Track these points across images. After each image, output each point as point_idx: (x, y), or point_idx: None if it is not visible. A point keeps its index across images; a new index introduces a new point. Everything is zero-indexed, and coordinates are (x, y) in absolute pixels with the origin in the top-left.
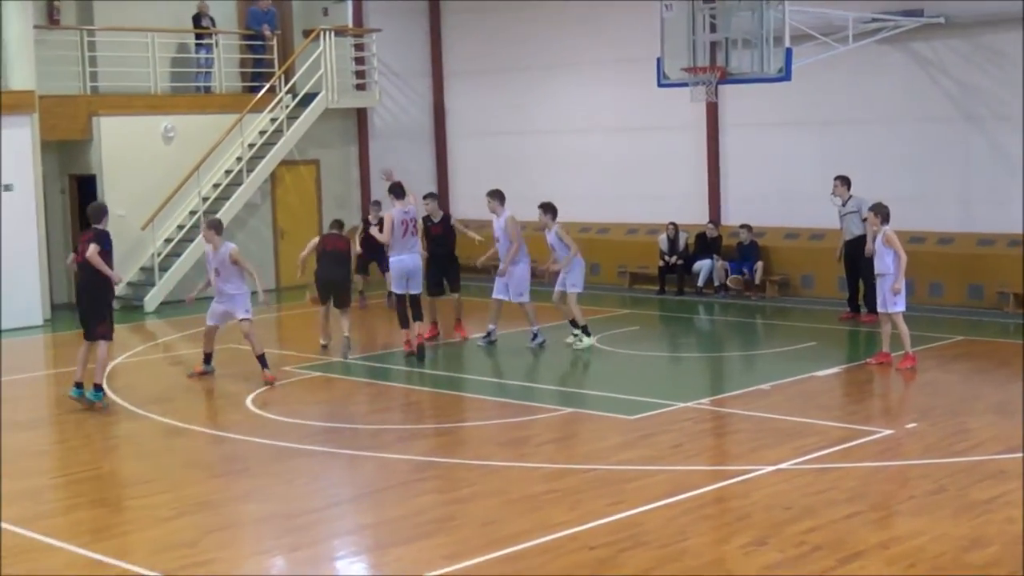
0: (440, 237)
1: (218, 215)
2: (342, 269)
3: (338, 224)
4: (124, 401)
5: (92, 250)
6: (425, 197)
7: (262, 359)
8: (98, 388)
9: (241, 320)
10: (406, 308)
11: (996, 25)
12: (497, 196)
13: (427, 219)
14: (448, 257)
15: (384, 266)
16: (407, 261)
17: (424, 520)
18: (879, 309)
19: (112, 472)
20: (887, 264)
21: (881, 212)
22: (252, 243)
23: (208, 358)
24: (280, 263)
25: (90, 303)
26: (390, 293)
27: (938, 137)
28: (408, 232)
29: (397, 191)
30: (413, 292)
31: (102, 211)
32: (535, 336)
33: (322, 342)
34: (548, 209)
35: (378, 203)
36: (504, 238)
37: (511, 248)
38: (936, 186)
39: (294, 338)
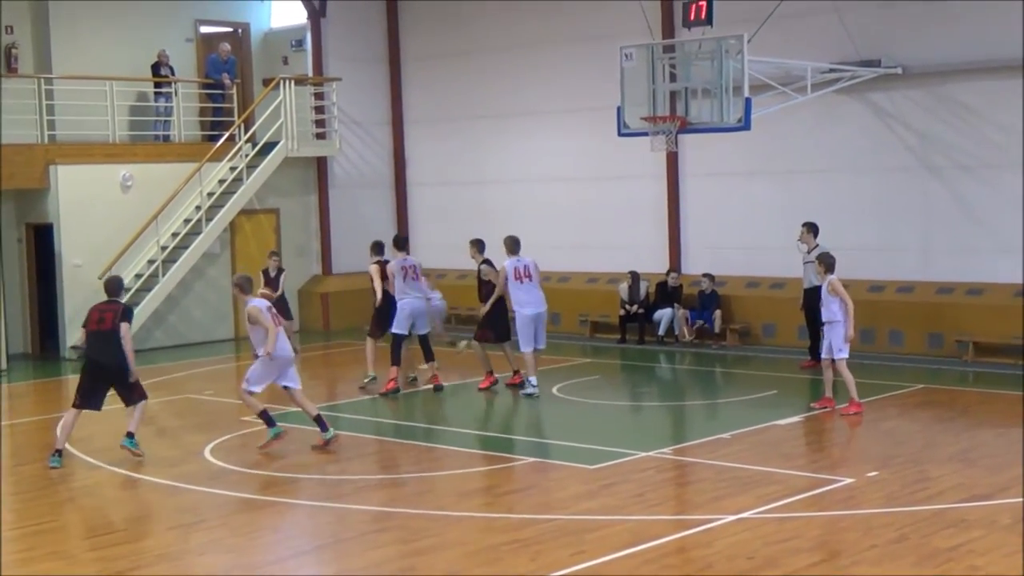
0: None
1: (176, 265)
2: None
3: (114, 283)
4: (82, 453)
5: (125, 330)
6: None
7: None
8: (131, 435)
9: (284, 386)
10: (401, 348)
11: (953, 75)
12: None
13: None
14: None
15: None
16: (412, 303)
17: (385, 572)
18: (823, 355)
19: (70, 524)
20: (833, 312)
21: (825, 262)
22: (211, 293)
23: (266, 418)
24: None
25: (119, 374)
26: (371, 332)
27: (898, 186)
28: (409, 277)
29: (400, 243)
30: (421, 332)
31: (120, 284)
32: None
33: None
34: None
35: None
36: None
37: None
38: (896, 235)
39: None
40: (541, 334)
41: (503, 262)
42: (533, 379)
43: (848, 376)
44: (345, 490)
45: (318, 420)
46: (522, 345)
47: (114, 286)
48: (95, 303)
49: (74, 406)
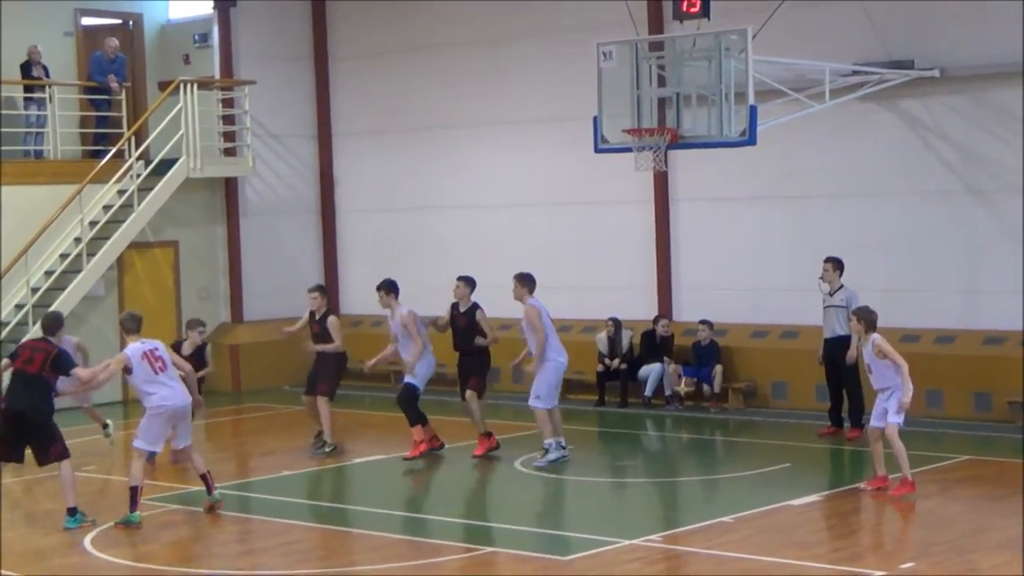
0: (463, 330)
1: (51, 308)
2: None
3: (51, 320)
4: None
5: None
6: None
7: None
8: (73, 511)
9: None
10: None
11: (1001, 79)
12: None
13: (454, 307)
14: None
15: None
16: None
17: None
18: (873, 424)
19: None
20: (888, 377)
21: (865, 318)
22: (93, 344)
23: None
24: None
25: (45, 421)
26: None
27: (935, 214)
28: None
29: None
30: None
31: (58, 322)
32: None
33: None
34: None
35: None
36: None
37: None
38: (933, 273)
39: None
40: None
41: (528, 301)
42: (562, 440)
43: (900, 447)
44: None
45: (204, 479)
46: (552, 401)
47: (50, 323)
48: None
49: None
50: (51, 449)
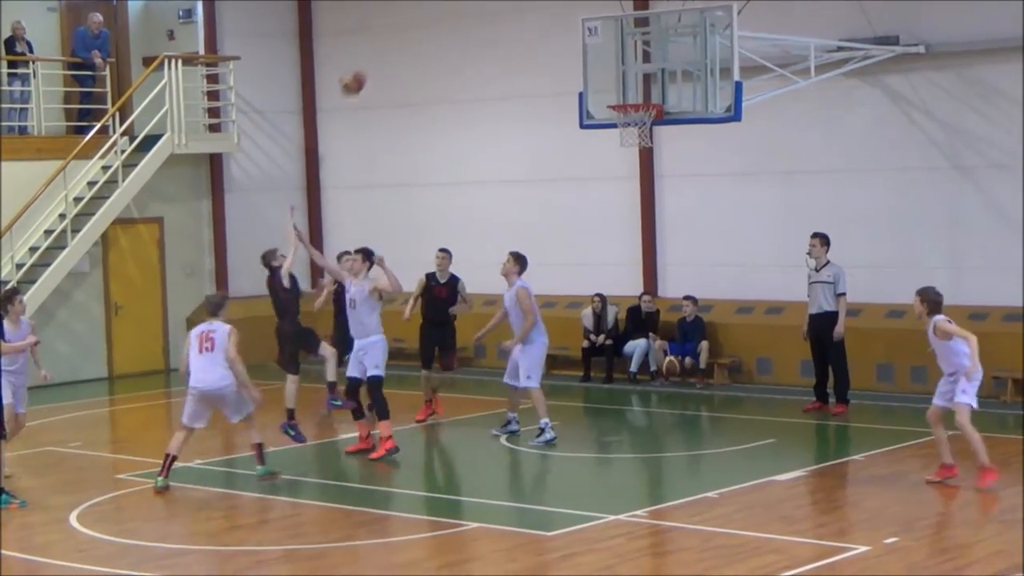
0: (442, 301)
1: (36, 286)
2: None
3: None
4: None
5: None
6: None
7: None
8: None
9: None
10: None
11: (988, 55)
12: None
13: (431, 277)
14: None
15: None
16: None
17: None
18: (938, 402)
19: None
20: (952, 361)
21: (929, 299)
22: (77, 321)
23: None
24: (114, 346)
25: None
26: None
27: (921, 190)
28: None
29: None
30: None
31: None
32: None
33: None
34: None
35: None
36: (515, 310)
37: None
38: (919, 249)
39: (131, 438)
40: None
41: (518, 283)
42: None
43: (971, 433)
44: (243, 564)
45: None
46: (538, 380)
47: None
48: None
49: None
50: None
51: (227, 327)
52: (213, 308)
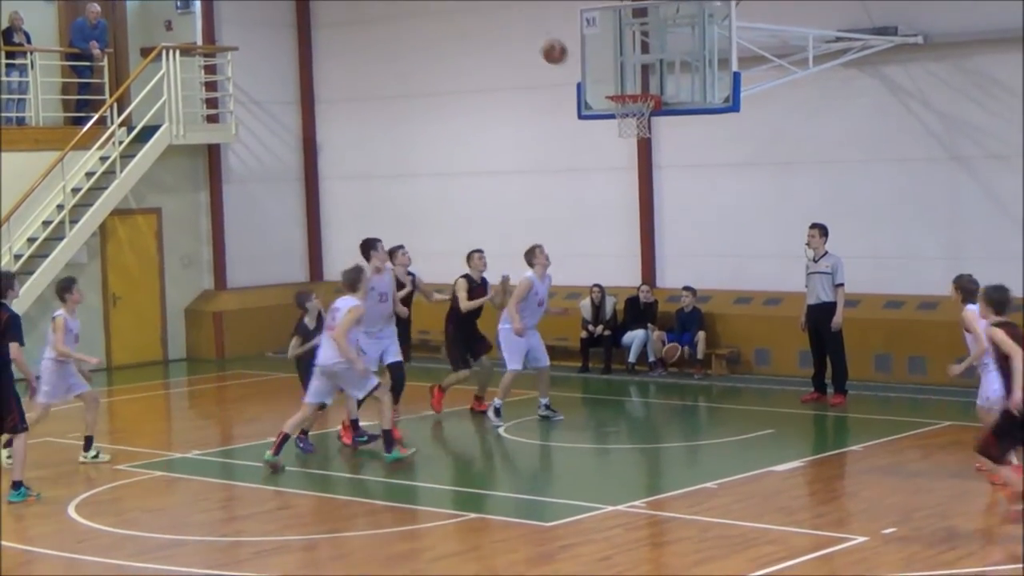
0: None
1: (33, 277)
2: None
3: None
4: None
5: (16, 352)
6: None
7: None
8: (18, 484)
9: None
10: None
11: (986, 45)
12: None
13: (470, 279)
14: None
15: None
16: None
17: None
18: (983, 403)
19: None
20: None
21: (964, 287)
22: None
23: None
24: (112, 337)
25: None
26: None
27: (918, 180)
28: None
29: None
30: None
31: (9, 281)
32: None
33: None
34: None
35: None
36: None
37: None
38: (916, 239)
39: (129, 429)
40: None
41: (524, 274)
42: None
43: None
44: (242, 555)
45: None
46: (510, 365)
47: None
48: None
49: None
50: (5, 421)
51: (350, 303)
52: (349, 282)
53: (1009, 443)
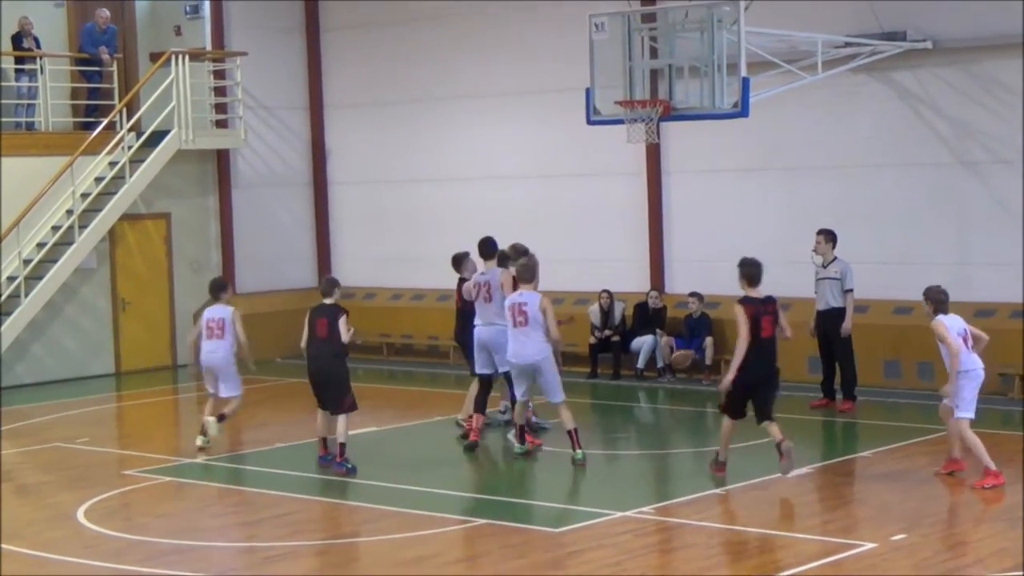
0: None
1: (43, 282)
2: None
3: None
4: None
5: None
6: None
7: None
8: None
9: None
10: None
11: (994, 51)
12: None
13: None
14: None
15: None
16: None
17: None
18: (945, 401)
19: None
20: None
21: (932, 299)
22: (85, 317)
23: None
24: (121, 342)
25: None
26: None
27: (926, 185)
28: (480, 297)
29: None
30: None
31: None
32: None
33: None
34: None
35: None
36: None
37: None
38: (925, 245)
39: (138, 434)
40: None
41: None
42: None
43: (971, 439)
44: (254, 560)
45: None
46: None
47: None
48: None
49: None
50: None
51: (536, 296)
52: (524, 272)
53: None
